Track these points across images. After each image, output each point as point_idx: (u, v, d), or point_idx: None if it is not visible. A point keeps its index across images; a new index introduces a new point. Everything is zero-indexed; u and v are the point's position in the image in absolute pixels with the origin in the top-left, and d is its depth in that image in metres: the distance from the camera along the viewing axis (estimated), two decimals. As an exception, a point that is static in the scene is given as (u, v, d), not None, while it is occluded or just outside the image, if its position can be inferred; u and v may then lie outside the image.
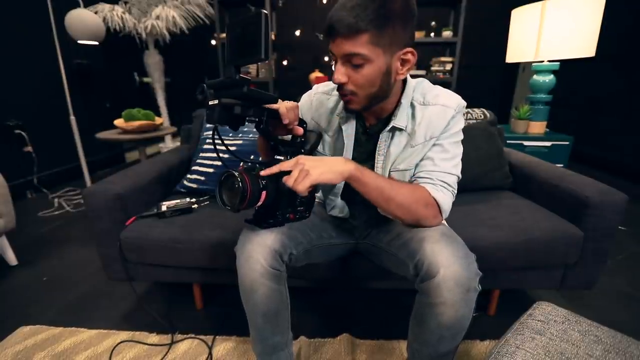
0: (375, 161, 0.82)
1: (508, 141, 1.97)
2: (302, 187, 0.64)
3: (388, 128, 0.78)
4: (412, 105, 0.79)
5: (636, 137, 2.70)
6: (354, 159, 0.85)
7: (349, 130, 0.83)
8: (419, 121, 0.77)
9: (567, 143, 2.00)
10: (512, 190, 1.32)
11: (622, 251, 1.63)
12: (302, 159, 0.67)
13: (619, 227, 1.00)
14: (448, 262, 0.63)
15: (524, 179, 1.28)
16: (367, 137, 0.84)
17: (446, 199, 0.76)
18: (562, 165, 1.95)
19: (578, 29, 1.72)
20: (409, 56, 0.70)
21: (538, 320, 0.65)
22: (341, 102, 0.84)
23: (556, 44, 1.78)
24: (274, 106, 0.69)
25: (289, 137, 0.77)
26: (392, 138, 0.80)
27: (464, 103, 0.79)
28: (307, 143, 0.76)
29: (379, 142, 0.81)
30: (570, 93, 3.34)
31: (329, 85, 0.89)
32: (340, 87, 0.71)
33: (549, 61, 1.98)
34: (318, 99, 0.89)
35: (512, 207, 1.12)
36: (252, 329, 0.81)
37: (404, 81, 0.80)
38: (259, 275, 0.72)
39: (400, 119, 0.78)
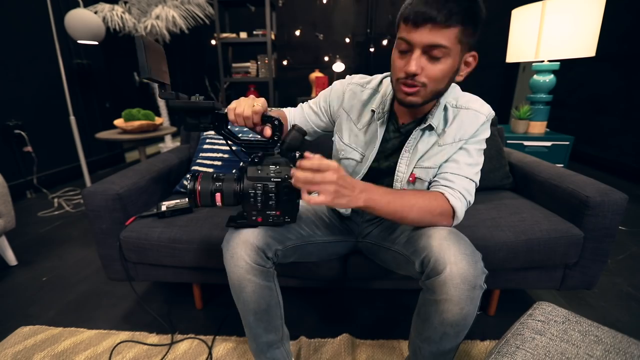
0: (400, 157, 0.82)
1: (508, 141, 1.97)
2: (315, 201, 0.63)
3: (422, 126, 0.79)
4: (445, 107, 0.80)
5: (636, 137, 2.70)
6: (379, 153, 0.85)
7: (382, 127, 0.83)
8: (450, 122, 0.79)
9: (567, 143, 2.00)
10: (513, 190, 1.32)
11: (622, 251, 1.63)
12: (339, 180, 0.63)
13: (619, 227, 1.00)
14: (455, 259, 0.63)
15: (524, 179, 1.28)
16: (397, 135, 0.85)
17: (462, 207, 0.76)
18: (562, 165, 1.96)
19: (578, 29, 1.72)
20: (471, 59, 0.72)
21: (538, 321, 0.65)
22: (377, 96, 0.85)
23: (556, 44, 1.78)
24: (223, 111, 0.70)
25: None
26: (422, 136, 0.80)
27: (494, 113, 0.81)
28: (284, 143, 0.71)
29: (409, 139, 0.81)
30: (570, 93, 3.34)
31: (365, 77, 0.91)
32: (411, 77, 0.69)
33: (549, 61, 1.98)
34: (352, 89, 0.89)
35: (512, 207, 1.12)
36: (245, 327, 0.81)
37: None
38: (245, 272, 0.72)
39: (435, 119, 0.79)
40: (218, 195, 0.70)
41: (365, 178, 0.90)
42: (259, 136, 0.72)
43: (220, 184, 0.70)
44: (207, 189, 0.70)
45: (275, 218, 0.72)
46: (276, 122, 0.70)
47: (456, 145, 0.79)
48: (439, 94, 0.74)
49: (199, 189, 0.69)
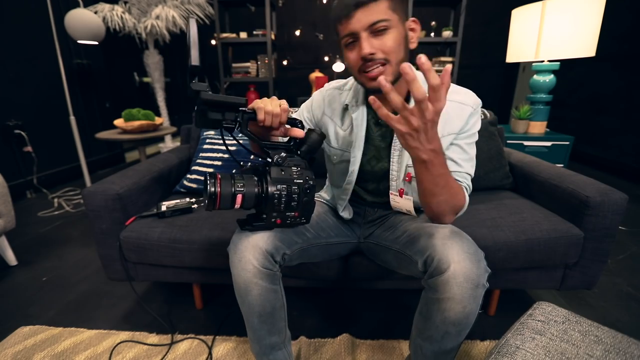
0: (391, 156, 0.82)
1: (508, 141, 1.97)
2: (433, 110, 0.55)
3: None
4: None
5: (636, 137, 2.70)
6: (366, 151, 0.85)
7: (359, 118, 0.83)
8: None
9: (567, 143, 2.00)
10: (513, 190, 1.32)
11: (622, 251, 1.63)
12: (421, 127, 0.57)
13: (619, 227, 1.00)
14: (459, 258, 0.63)
15: (524, 179, 1.28)
16: (380, 129, 0.84)
17: (468, 201, 0.77)
18: (562, 165, 1.96)
19: (578, 29, 1.72)
20: (414, 25, 0.74)
21: (538, 320, 0.65)
22: (352, 93, 0.85)
23: (556, 44, 1.78)
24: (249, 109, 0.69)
25: (286, 139, 0.77)
26: None
27: (480, 101, 0.80)
28: (303, 144, 0.74)
29: (394, 138, 0.81)
30: (570, 93, 3.34)
31: (341, 81, 0.91)
32: (370, 60, 0.70)
33: (549, 61, 1.99)
34: (330, 94, 0.91)
35: (513, 207, 1.12)
36: (249, 329, 0.81)
37: None
38: (252, 276, 0.72)
39: None
40: (239, 197, 0.67)
41: (360, 180, 0.90)
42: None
43: (241, 184, 0.68)
44: (228, 192, 0.66)
45: (292, 219, 0.73)
46: (299, 125, 0.74)
47: (445, 139, 0.77)
48: None
49: (220, 192, 0.65)
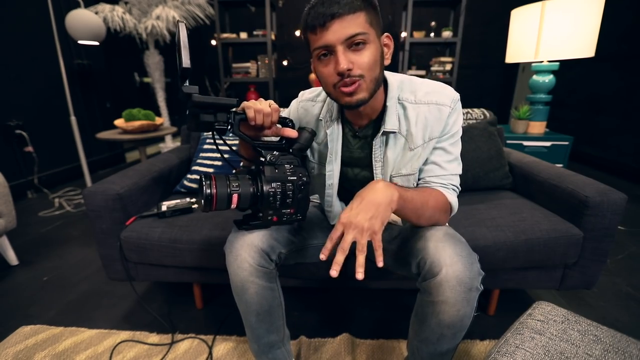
0: (373, 167, 0.80)
1: (508, 141, 1.97)
2: (378, 243, 0.66)
3: (380, 133, 0.76)
4: (403, 106, 0.76)
5: (636, 137, 2.70)
6: (346, 164, 0.84)
7: (334, 133, 0.80)
8: (414, 121, 0.75)
9: (567, 143, 2.00)
10: (512, 190, 1.32)
11: (621, 251, 1.63)
12: (345, 220, 0.66)
13: (619, 227, 1.00)
14: (451, 261, 0.63)
15: (524, 179, 1.28)
16: (359, 141, 0.82)
17: (456, 200, 0.77)
18: (561, 165, 1.96)
19: (578, 29, 1.72)
20: (387, 40, 0.72)
21: (538, 320, 0.65)
22: (325, 107, 0.83)
23: (556, 44, 1.78)
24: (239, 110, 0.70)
25: (277, 138, 0.76)
26: (386, 143, 0.77)
27: (457, 95, 0.76)
28: (295, 142, 0.74)
29: (374, 148, 0.78)
30: (569, 93, 3.34)
31: (314, 91, 0.89)
32: (347, 76, 0.66)
33: (549, 61, 1.99)
34: (303, 106, 0.88)
35: (512, 207, 1.12)
36: (247, 328, 0.81)
37: (385, 82, 0.77)
38: (248, 274, 0.72)
39: (390, 123, 0.75)
40: (235, 198, 0.67)
41: (347, 186, 0.88)
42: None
43: (237, 185, 0.68)
44: (224, 193, 0.66)
45: (288, 216, 0.74)
46: (290, 124, 0.75)
47: (428, 145, 0.76)
48: (378, 82, 0.70)
49: (216, 193, 0.66)
